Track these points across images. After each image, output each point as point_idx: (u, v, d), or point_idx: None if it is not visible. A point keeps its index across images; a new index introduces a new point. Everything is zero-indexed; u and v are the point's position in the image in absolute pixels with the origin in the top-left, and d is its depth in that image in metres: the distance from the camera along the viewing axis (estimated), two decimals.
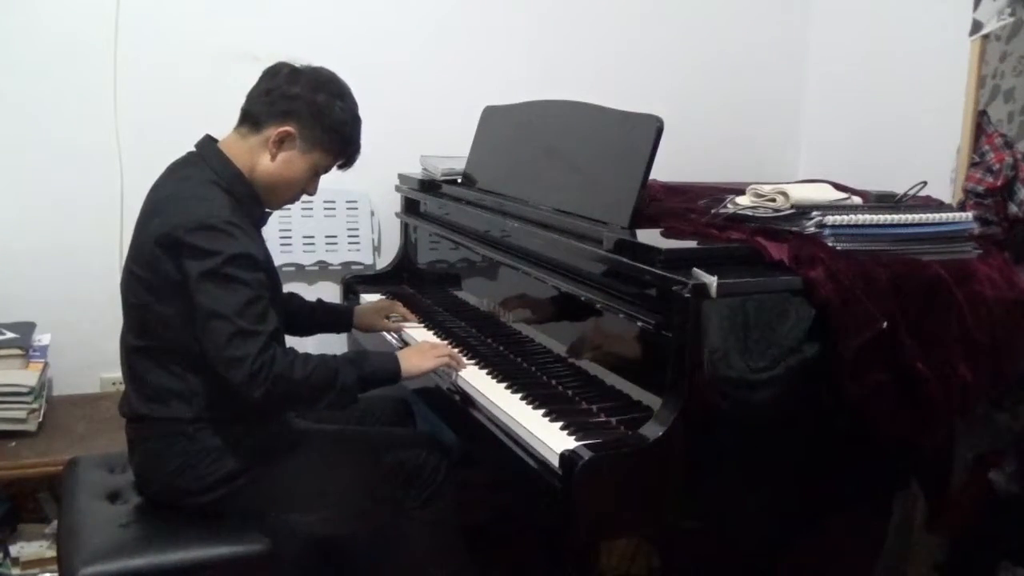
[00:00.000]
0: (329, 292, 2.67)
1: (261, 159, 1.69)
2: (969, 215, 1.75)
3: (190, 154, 1.72)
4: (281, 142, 1.68)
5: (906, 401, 1.56)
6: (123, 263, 1.70)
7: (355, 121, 1.75)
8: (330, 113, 1.69)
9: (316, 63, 1.75)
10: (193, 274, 1.54)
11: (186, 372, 1.63)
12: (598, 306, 1.64)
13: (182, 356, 1.62)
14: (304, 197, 1.80)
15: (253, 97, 1.72)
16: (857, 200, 1.73)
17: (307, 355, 1.63)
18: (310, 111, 1.67)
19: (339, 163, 1.78)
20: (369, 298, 2.46)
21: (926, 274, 1.59)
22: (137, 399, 1.67)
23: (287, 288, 2.08)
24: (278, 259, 2.52)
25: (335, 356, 1.68)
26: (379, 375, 1.73)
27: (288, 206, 1.85)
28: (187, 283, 1.55)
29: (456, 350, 1.90)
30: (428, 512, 1.76)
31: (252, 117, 1.70)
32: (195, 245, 1.54)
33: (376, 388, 1.75)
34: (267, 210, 1.78)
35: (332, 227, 2.66)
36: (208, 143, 1.72)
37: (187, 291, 1.56)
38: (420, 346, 1.88)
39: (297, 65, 1.72)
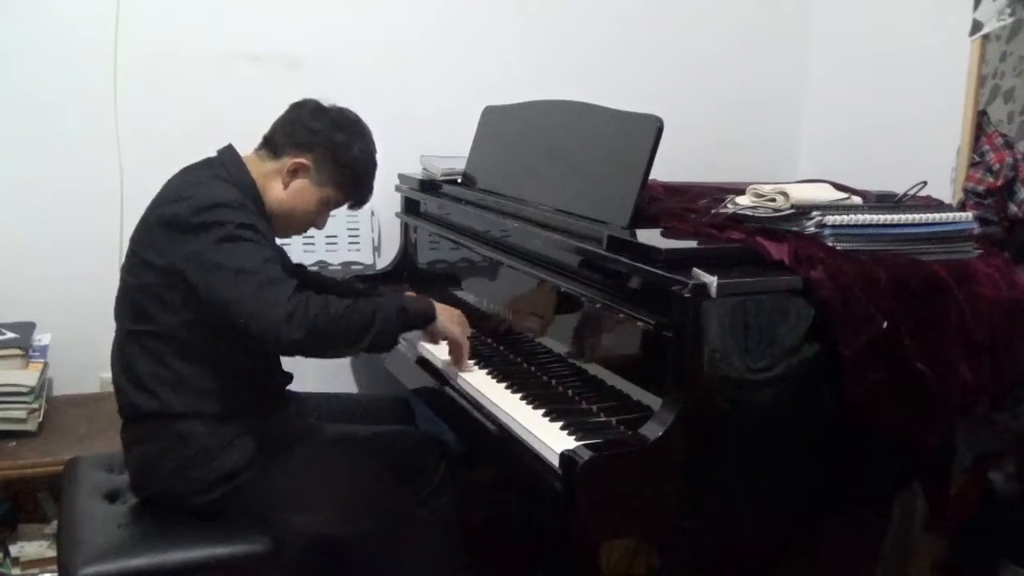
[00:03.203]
0: None
1: (274, 186, 1.74)
2: (969, 215, 1.75)
3: (210, 157, 1.75)
4: (295, 172, 1.73)
5: (906, 401, 1.56)
6: (123, 263, 1.70)
7: (370, 163, 1.79)
8: (347, 151, 1.73)
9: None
10: (206, 243, 1.54)
11: (178, 360, 1.63)
12: (598, 306, 1.64)
13: (174, 343, 1.63)
14: None
15: (276, 125, 1.77)
16: (857, 200, 1.73)
17: (339, 297, 1.61)
18: (328, 146, 1.72)
19: (350, 202, 1.83)
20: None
21: (926, 274, 1.59)
22: (129, 390, 1.67)
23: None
24: None
25: (368, 297, 1.74)
26: (417, 312, 1.75)
27: None
28: (195, 256, 1.55)
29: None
30: (428, 510, 1.76)
31: (272, 144, 1.75)
32: (203, 221, 1.56)
33: (415, 327, 1.76)
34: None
35: (332, 227, 2.65)
36: (230, 150, 1.75)
37: (189, 264, 1.55)
38: (454, 312, 1.85)
39: (326, 104, 1.77)
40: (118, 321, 1.71)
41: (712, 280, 1.40)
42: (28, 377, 2.15)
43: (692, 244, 1.61)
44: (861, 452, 1.61)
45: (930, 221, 1.68)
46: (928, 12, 2.63)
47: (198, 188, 1.63)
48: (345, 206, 1.84)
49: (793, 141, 3.19)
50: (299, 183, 1.74)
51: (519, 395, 1.70)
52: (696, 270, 1.43)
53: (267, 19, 2.52)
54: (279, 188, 1.74)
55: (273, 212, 1.75)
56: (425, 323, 1.77)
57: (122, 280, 1.69)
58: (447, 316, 1.81)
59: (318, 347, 1.59)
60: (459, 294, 2.32)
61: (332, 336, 1.56)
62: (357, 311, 1.59)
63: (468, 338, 1.86)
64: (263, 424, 1.70)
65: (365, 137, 1.78)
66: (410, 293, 2.03)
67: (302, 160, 1.72)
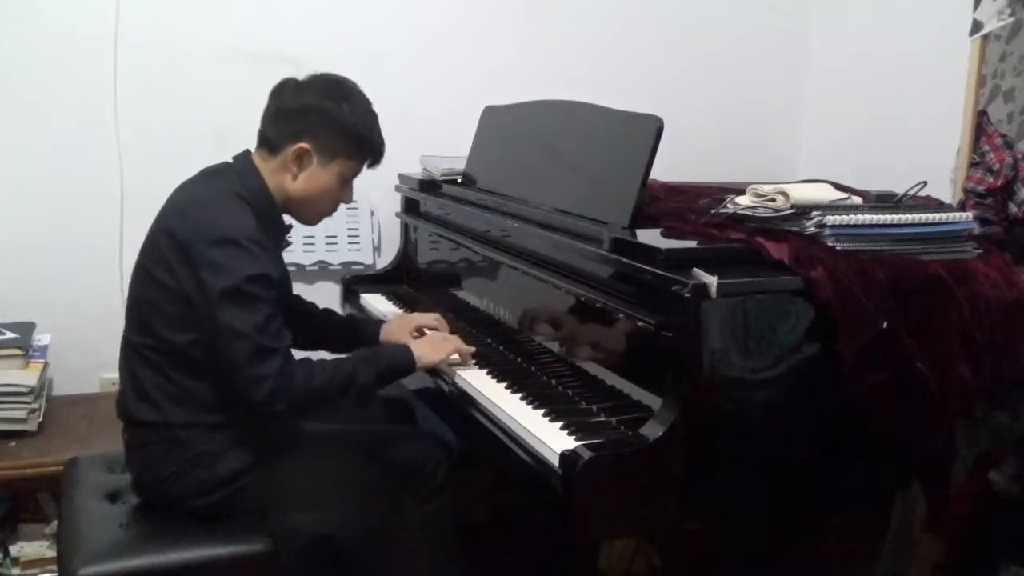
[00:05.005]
0: (329, 292, 2.67)
1: (285, 180, 1.70)
2: (969, 215, 1.75)
3: (225, 163, 1.73)
4: (300, 159, 1.68)
5: (906, 401, 1.56)
6: (122, 263, 1.70)
7: (367, 119, 1.72)
8: (339, 118, 1.67)
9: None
10: (213, 290, 1.54)
11: (181, 375, 1.63)
12: (598, 306, 1.64)
13: (178, 358, 1.62)
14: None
15: (265, 119, 1.72)
16: (857, 200, 1.73)
17: (323, 362, 1.65)
18: (319, 123, 1.66)
19: (367, 164, 1.77)
20: (371, 299, 2.47)
21: (926, 274, 1.59)
22: (131, 399, 1.67)
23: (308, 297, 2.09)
24: None
25: (349, 357, 1.71)
26: (395, 368, 1.75)
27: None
28: (202, 293, 1.55)
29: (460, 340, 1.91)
30: (428, 509, 1.76)
31: (267, 140, 1.70)
32: (214, 260, 1.54)
33: (394, 381, 1.78)
34: (291, 226, 1.80)
35: (332, 227, 2.66)
36: (245, 157, 1.72)
37: (198, 297, 1.56)
38: (431, 337, 1.90)
39: (301, 77, 1.71)
40: (125, 329, 1.70)
41: (712, 280, 1.40)
42: (28, 377, 2.15)
43: (692, 244, 1.60)
44: (861, 452, 1.61)
45: (930, 221, 1.68)
46: (928, 12, 2.63)
47: (213, 212, 1.60)
48: (366, 168, 1.78)
49: (793, 141, 3.19)
50: (308, 170, 1.69)
51: (519, 395, 1.70)
52: (696, 270, 1.43)
53: (267, 19, 2.52)
54: (290, 181, 1.69)
55: (296, 204, 1.73)
56: (407, 373, 1.78)
57: (130, 289, 1.68)
58: (426, 350, 1.80)
59: (297, 414, 1.69)
60: (459, 294, 2.32)
61: (311, 405, 1.66)
62: (336, 381, 1.64)
63: (453, 335, 1.87)
64: (264, 428, 1.70)
65: (351, 95, 1.70)
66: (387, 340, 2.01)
67: (301, 146, 1.66)
